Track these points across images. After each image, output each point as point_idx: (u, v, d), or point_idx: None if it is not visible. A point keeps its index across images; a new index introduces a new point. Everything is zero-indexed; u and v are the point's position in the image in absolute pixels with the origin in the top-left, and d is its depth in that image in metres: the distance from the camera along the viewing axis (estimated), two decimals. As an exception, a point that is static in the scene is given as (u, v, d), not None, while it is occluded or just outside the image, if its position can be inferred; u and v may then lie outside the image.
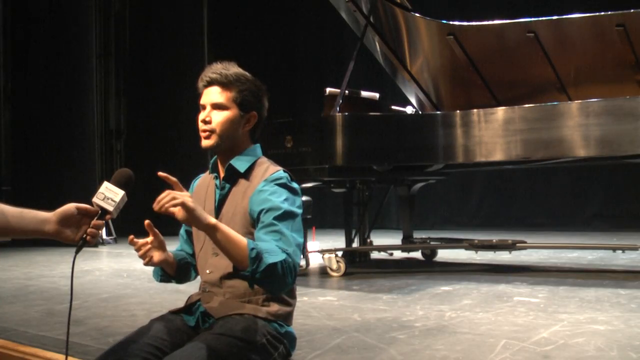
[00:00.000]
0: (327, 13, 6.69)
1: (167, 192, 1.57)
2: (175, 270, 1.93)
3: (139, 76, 10.36)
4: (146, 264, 1.81)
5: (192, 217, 1.56)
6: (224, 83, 1.87)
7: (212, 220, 1.59)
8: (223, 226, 1.61)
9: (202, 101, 1.90)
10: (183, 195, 1.56)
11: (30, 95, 9.00)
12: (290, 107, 10.08)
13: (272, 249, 1.65)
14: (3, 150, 9.54)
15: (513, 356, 2.45)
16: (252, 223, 1.81)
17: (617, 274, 4.71)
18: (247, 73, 1.93)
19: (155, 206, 1.56)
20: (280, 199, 1.77)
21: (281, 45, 11.00)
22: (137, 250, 1.79)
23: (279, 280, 1.63)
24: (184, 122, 8.74)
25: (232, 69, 1.90)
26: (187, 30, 9.98)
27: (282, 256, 1.64)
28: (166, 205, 1.55)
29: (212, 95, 1.87)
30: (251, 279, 1.62)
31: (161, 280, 1.97)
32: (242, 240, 1.62)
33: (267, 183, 1.82)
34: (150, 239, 1.80)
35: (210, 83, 1.88)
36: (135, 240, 1.77)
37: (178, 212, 1.55)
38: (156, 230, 1.80)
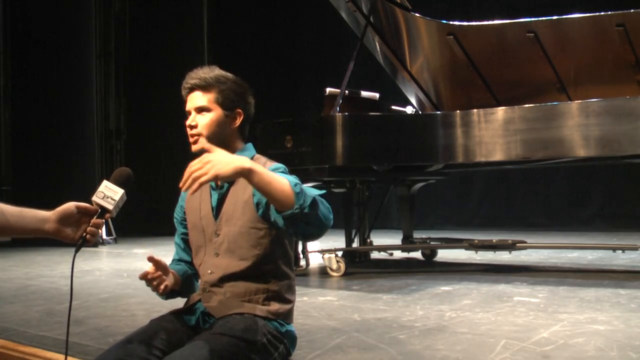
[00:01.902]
0: (327, 13, 6.69)
1: (198, 161, 1.52)
2: (180, 286, 1.94)
3: (139, 76, 10.36)
4: (162, 293, 1.81)
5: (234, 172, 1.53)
6: (204, 86, 1.90)
7: (247, 164, 1.55)
8: (260, 166, 1.58)
9: (187, 107, 1.93)
10: (215, 156, 1.53)
11: (30, 95, 9.00)
12: (290, 107, 10.08)
13: (309, 188, 1.65)
14: (3, 150, 9.54)
15: (513, 356, 2.45)
16: (256, 215, 1.80)
17: (617, 274, 4.71)
18: (229, 74, 1.95)
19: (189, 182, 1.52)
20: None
21: (281, 45, 10.99)
22: (149, 284, 1.79)
23: (324, 216, 1.63)
24: (184, 123, 8.74)
25: (213, 72, 1.92)
26: (187, 30, 9.98)
27: (319, 193, 1.65)
28: (202, 177, 1.51)
29: (194, 100, 1.90)
30: (300, 214, 1.58)
31: (167, 298, 1.96)
32: (282, 177, 1.61)
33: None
34: (152, 269, 1.80)
35: (192, 89, 1.91)
36: (149, 275, 1.77)
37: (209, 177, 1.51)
38: (157, 259, 1.80)
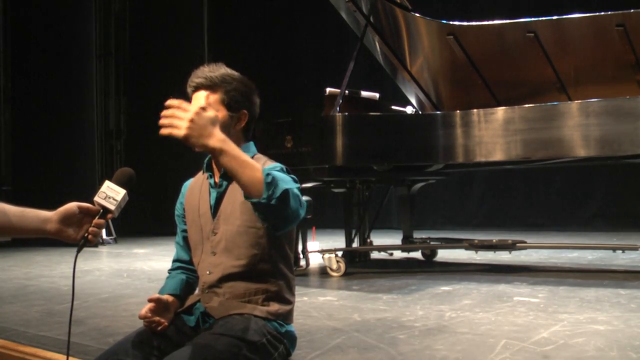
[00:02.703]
0: (327, 13, 6.69)
1: (185, 110, 1.53)
2: (181, 303, 1.94)
3: (139, 76, 10.36)
4: (161, 330, 1.82)
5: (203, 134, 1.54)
6: (210, 86, 1.87)
7: (218, 145, 1.54)
8: (234, 151, 1.57)
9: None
10: (199, 119, 1.53)
11: (30, 95, 9.00)
12: (290, 107, 10.08)
13: (284, 177, 1.64)
14: (3, 150, 9.55)
15: (513, 356, 2.45)
16: (254, 215, 1.80)
17: (617, 274, 4.71)
18: (235, 72, 1.92)
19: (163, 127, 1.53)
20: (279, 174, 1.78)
21: (281, 45, 11.00)
22: (148, 325, 1.81)
23: (293, 209, 1.61)
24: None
25: (219, 70, 1.89)
26: (187, 30, 9.98)
27: (296, 185, 1.64)
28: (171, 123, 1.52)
29: (199, 99, 1.88)
30: (266, 205, 1.56)
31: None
32: (256, 163, 1.59)
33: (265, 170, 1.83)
34: (152, 307, 1.81)
35: (197, 88, 1.89)
36: (147, 320, 1.80)
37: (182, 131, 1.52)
38: (157, 297, 1.83)
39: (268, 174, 1.57)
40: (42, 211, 1.61)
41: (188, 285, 1.99)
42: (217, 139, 1.55)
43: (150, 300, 1.80)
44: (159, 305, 1.82)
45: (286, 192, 1.58)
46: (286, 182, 1.62)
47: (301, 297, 3.76)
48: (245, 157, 1.58)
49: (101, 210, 1.62)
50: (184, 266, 2.03)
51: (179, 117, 1.52)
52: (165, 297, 1.88)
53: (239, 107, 1.90)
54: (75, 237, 1.61)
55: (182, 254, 2.05)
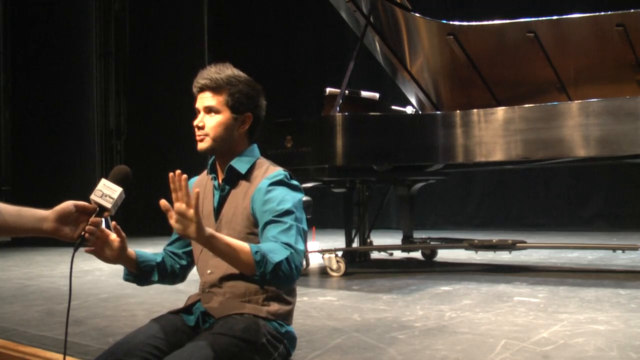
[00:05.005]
0: (327, 13, 6.69)
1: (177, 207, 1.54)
2: (136, 270, 1.86)
3: (139, 76, 10.36)
4: (87, 252, 1.70)
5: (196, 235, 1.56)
6: (214, 87, 1.86)
7: (209, 230, 1.57)
8: (221, 235, 1.61)
9: (196, 105, 1.91)
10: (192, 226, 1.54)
11: (30, 95, 9.00)
12: (290, 107, 10.08)
13: (274, 247, 1.64)
14: (3, 150, 9.54)
15: (513, 356, 2.45)
16: (254, 222, 1.81)
17: (617, 274, 4.71)
18: (241, 74, 1.91)
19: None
20: (280, 196, 1.77)
21: (281, 45, 11.00)
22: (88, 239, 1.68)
23: (287, 277, 1.64)
24: (184, 122, 8.74)
25: (225, 71, 1.88)
26: (187, 30, 9.98)
27: (286, 253, 1.63)
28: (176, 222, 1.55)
29: (204, 100, 1.88)
30: (261, 281, 1.66)
31: (125, 279, 1.91)
32: (244, 245, 1.61)
33: (267, 181, 1.82)
34: (114, 236, 1.76)
35: (202, 89, 1.88)
36: (88, 230, 1.66)
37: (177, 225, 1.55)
38: (119, 229, 1.77)
39: (257, 252, 1.60)
40: (38, 210, 1.60)
41: (151, 266, 1.90)
42: (202, 239, 1.57)
43: (113, 227, 1.75)
44: (120, 236, 1.76)
45: (277, 265, 1.60)
46: (276, 252, 1.62)
47: (301, 297, 3.76)
48: (231, 243, 1.60)
49: (98, 209, 1.62)
50: (171, 251, 2.01)
51: (187, 218, 1.54)
52: (129, 249, 1.82)
53: (244, 109, 1.89)
54: (72, 235, 1.61)
55: (176, 244, 2.01)
